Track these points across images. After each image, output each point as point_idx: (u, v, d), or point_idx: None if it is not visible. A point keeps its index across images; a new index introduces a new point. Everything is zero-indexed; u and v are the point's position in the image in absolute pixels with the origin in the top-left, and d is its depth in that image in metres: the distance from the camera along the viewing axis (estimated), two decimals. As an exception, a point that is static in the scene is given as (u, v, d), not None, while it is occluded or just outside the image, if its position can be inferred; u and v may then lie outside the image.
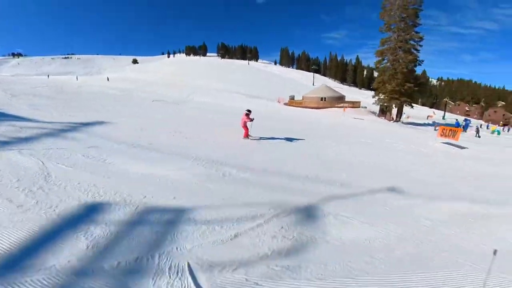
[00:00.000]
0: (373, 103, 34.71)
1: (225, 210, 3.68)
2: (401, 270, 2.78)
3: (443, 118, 52.83)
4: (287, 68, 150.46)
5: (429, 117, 54.85)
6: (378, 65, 31.83)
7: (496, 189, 6.50)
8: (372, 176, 6.47)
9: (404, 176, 6.85)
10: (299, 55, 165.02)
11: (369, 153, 9.50)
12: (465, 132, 31.18)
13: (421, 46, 32.11)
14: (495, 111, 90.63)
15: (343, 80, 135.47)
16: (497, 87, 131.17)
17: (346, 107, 31.88)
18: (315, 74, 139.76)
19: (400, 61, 29.93)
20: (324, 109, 33.30)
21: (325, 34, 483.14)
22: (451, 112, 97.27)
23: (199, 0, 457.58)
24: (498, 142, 25.40)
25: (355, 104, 36.09)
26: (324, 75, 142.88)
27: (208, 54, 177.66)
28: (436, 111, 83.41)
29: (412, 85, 29.43)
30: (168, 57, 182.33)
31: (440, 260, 3.02)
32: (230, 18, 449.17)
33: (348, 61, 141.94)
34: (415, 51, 31.74)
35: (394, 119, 33.21)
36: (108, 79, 53.08)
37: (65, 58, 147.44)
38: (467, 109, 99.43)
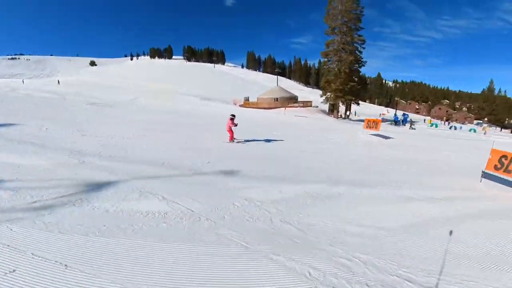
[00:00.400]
0: (321, 102, 36.07)
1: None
2: (158, 239, 2.84)
3: (394, 115, 57.46)
4: (254, 72, 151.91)
5: (381, 115, 59.84)
6: (324, 66, 33.17)
7: (376, 171, 7.00)
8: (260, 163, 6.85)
9: (298, 164, 7.20)
10: (265, 59, 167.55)
11: (288, 145, 10.09)
12: (404, 125, 33.74)
13: (364, 48, 34.12)
14: (439, 108, 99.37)
15: (306, 83, 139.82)
16: (442, 88, 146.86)
17: (292, 107, 33.01)
18: (279, 77, 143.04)
19: (343, 61, 31.48)
20: (276, 109, 34.01)
21: (292, 39, 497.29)
22: (404, 110, 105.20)
23: (165, 0, 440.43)
24: (429, 133, 28.43)
25: (306, 104, 37.39)
26: (290, 78, 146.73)
27: (174, 57, 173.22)
28: (390, 109, 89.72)
29: (355, 83, 31.06)
30: (132, 59, 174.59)
31: (208, 236, 3.02)
32: (197, 21, 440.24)
33: (311, 65, 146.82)
34: (358, 53, 33.63)
35: (343, 116, 34.80)
36: (59, 82, 49.13)
37: (12, 59, 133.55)
38: (417, 107, 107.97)
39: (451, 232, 3.45)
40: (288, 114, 27.59)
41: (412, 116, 34.73)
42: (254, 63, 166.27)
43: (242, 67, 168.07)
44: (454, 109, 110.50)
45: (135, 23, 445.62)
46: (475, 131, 42.97)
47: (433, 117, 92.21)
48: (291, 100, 37.87)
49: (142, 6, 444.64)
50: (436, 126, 45.79)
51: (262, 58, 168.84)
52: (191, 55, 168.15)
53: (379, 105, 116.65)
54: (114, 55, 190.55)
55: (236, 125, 9.37)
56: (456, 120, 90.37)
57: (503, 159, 6.02)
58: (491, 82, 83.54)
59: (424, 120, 54.45)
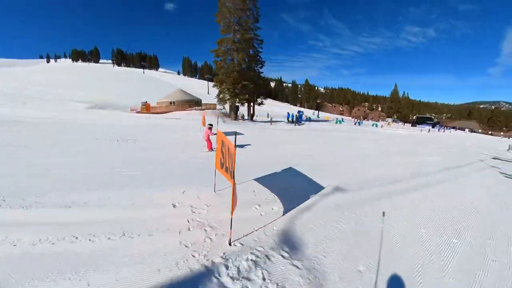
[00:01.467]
0: (216, 103, 34.05)
1: None
2: None
3: (317, 116, 62.30)
4: (189, 78, 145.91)
5: (304, 116, 63.65)
6: (217, 65, 31.12)
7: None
8: None
9: None
10: (202, 65, 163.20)
11: None
12: (299, 123, 34.00)
13: (261, 47, 33.17)
14: (358, 109, 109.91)
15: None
16: (363, 93, 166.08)
17: (188, 109, 30.38)
18: (210, 82, 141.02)
19: (235, 60, 29.91)
20: (170, 112, 30.83)
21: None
22: (330, 112, 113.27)
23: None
24: (314, 128, 29.44)
25: (210, 106, 35.20)
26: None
27: (101, 60, 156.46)
28: (315, 111, 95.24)
29: (248, 83, 29.66)
30: (48, 61, 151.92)
31: None
32: (133, 23, 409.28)
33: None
34: (254, 52, 32.50)
35: (244, 118, 33.28)
36: None
37: None
38: (341, 109, 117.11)
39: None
40: (158, 117, 25.43)
41: (334, 116, 35.86)
42: (191, 70, 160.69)
43: (179, 73, 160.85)
44: (372, 109, 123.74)
45: (56, 20, 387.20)
46: (376, 125, 47.66)
47: (353, 116, 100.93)
48: (191, 103, 35.12)
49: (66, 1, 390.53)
50: (341, 122, 49.19)
51: (199, 65, 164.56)
52: (121, 59, 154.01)
53: (310, 108, 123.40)
54: (28, 56, 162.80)
55: (215, 134, 8.79)
56: (372, 118, 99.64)
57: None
58: (395, 86, 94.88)
59: (318, 115, 67.89)
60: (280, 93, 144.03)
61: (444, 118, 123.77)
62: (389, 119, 71.66)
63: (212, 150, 9.74)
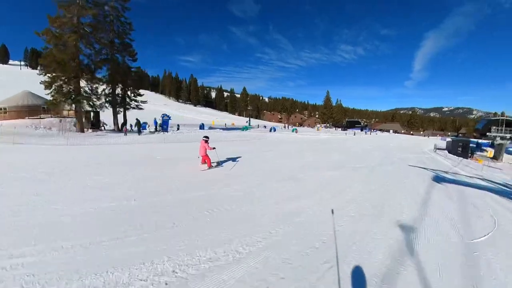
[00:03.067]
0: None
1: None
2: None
3: (249, 124, 55.70)
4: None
5: (233, 124, 57.50)
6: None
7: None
8: None
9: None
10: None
11: None
12: (165, 130, 25.50)
13: (130, 34, 23.75)
14: (295, 116, 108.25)
15: (178, 98, 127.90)
16: (305, 102, 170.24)
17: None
18: (150, 92, 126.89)
19: (68, 47, 19.64)
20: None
21: (180, 56, 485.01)
22: (269, 120, 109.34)
23: None
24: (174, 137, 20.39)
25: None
26: (162, 93, 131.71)
27: (11, 61, 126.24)
28: (252, 119, 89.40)
29: (91, 77, 19.85)
30: None
31: None
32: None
33: (183, 79, 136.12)
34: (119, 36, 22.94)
35: (102, 127, 23.08)
36: None
37: None
38: (280, 116, 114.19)
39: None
40: None
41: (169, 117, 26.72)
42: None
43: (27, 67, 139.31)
44: (311, 116, 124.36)
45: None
46: (295, 130, 42.16)
47: (289, 123, 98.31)
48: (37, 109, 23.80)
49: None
50: (247, 128, 43.07)
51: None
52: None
53: (248, 116, 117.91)
54: None
55: (213, 148, 8.76)
56: (308, 125, 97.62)
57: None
58: (328, 92, 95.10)
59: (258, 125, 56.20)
60: (221, 102, 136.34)
61: (373, 122, 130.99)
62: (318, 125, 68.48)
63: (212, 166, 8.72)
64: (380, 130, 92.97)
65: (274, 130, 42.55)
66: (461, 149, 24.51)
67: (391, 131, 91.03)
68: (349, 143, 27.87)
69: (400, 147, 25.91)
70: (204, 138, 8.45)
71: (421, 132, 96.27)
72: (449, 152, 26.08)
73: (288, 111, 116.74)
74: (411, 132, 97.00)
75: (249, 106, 68.74)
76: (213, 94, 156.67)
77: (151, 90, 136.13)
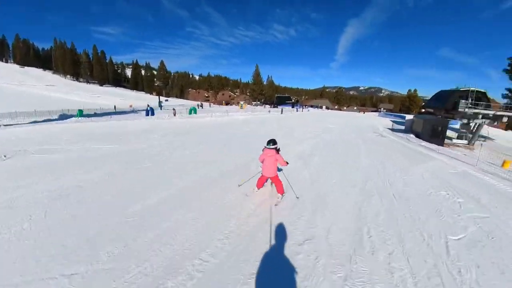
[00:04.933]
0: None
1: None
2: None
3: (160, 105, 43.89)
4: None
5: (130, 106, 46.43)
6: None
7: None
8: None
9: None
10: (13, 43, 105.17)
11: None
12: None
13: None
14: (223, 94, 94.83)
15: (77, 76, 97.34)
16: (237, 79, 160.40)
17: None
18: (36, 68, 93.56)
19: None
20: None
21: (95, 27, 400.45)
22: (194, 99, 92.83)
23: None
24: None
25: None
26: (57, 70, 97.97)
27: None
28: (166, 99, 72.07)
29: None
30: None
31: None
32: None
33: (82, 52, 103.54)
34: None
35: None
36: None
37: None
38: (206, 95, 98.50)
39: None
40: None
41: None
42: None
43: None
44: (242, 93, 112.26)
45: None
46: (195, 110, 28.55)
47: (216, 102, 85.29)
48: None
49: None
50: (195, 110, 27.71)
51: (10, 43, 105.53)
52: None
53: (167, 95, 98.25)
54: None
55: (287, 163, 4.98)
56: (238, 103, 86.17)
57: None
58: (257, 66, 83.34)
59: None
60: (138, 80, 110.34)
61: (303, 99, 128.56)
62: (242, 102, 56.71)
63: (284, 194, 5.09)
64: (311, 106, 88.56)
65: (152, 113, 26.47)
66: (435, 132, 15.83)
67: (323, 107, 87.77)
68: (266, 128, 17.37)
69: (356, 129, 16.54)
70: (271, 147, 4.65)
71: (355, 108, 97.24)
72: (417, 137, 17.35)
73: (215, 88, 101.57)
74: (344, 108, 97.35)
75: (157, 81, 50.92)
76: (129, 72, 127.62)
77: (41, 67, 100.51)
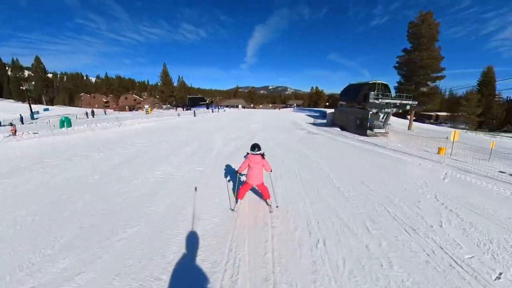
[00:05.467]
0: None
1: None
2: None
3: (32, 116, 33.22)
4: None
5: None
6: None
7: None
8: None
9: None
10: None
11: None
12: None
13: None
14: (126, 98, 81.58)
15: None
16: (144, 81, 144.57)
17: None
18: None
19: None
20: None
21: None
22: (89, 105, 75.51)
23: None
24: None
25: None
26: None
27: None
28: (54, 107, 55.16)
29: None
30: None
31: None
32: None
33: None
34: None
35: None
36: None
37: None
38: (105, 100, 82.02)
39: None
40: None
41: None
42: None
43: None
44: (151, 96, 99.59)
45: None
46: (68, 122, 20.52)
47: (118, 107, 73.10)
48: None
49: None
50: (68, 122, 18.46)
51: None
52: None
53: (51, 103, 76.54)
54: None
55: (270, 170, 4.69)
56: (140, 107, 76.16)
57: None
58: (164, 65, 74.81)
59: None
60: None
61: (218, 99, 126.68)
62: (147, 106, 49.21)
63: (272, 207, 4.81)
64: (227, 106, 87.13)
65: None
66: (361, 123, 15.84)
67: (240, 106, 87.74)
68: (170, 143, 13.33)
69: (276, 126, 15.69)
70: (256, 153, 4.38)
71: (270, 105, 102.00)
72: (342, 129, 17.09)
73: (116, 92, 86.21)
74: (260, 106, 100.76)
75: (25, 84, 36.72)
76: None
77: None
